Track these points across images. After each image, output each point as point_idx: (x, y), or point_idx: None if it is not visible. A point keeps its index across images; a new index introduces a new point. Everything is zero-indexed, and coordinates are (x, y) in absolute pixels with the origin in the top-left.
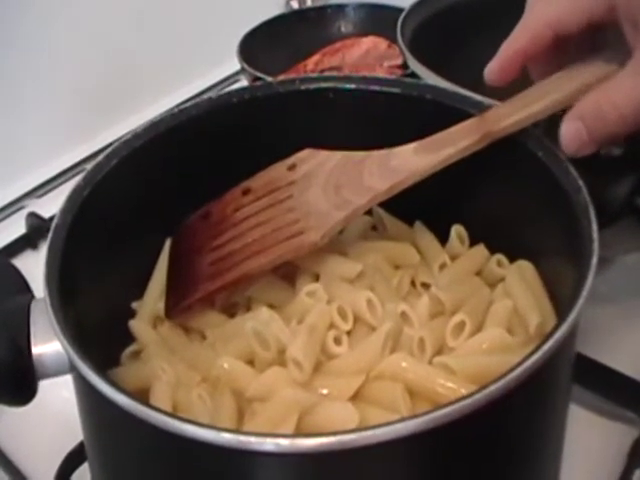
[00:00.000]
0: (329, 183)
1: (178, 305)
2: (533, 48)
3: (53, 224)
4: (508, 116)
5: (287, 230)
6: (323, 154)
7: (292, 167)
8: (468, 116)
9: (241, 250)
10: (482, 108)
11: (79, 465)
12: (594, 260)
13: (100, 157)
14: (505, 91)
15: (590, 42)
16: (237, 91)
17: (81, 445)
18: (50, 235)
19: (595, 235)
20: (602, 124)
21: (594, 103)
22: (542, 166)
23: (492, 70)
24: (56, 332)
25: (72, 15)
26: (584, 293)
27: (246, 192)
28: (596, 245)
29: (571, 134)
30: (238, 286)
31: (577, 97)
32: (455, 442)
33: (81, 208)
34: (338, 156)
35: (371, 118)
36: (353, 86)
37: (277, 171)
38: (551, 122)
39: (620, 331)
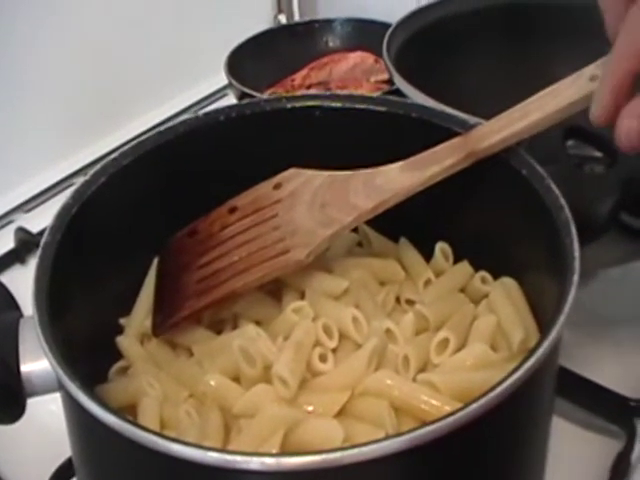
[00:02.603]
0: (314, 201)
1: (165, 323)
2: None
3: (42, 242)
4: (492, 135)
5: (273, 248)
6: (308, 173)
7: (278, 186)
8: (454, 134)
9: (227, 268)
10: (467, 126)
11: None
12: (575, 277)
13: (88, 175)
14: (490, 109)
15: None
16: (224, 109)
17: (69, 461)
18: (39, 253)
19: (576, 253)
20: None
21: None
22: (525, 184)
23: (606, 106)
24: (45, 351)
25: (58, 30)
26: (566, 310)
27: (232, 210)
28: (577, 262)
29: (630, 130)
30: (225, 304)
31: (560, 116)
32: (439, 459)
33: (69, 226)
34: (324, 175)
35: (357, 136)
36: (339, 104)
37: (263, 190)
38: (534, 140)
39: (604, 345)
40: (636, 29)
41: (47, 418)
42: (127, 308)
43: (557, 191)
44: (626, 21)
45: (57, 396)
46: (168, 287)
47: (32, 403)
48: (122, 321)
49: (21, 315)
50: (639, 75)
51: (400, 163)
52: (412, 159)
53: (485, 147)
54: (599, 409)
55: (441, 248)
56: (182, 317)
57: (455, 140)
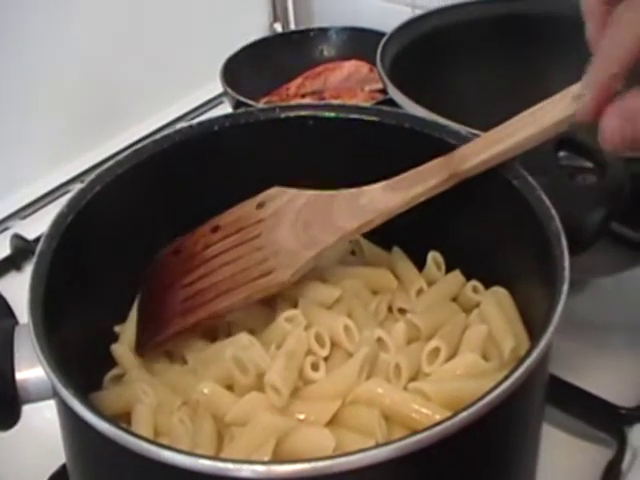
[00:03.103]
0: (298, 221)
1: (149, 341)
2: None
3: (37, 250)
4: (474, 156)
5: (256, 269)
6: (292, 192)
7: (261, 205)
8: (446, 145)
9: (211, 288)
10: (460, 137)
11: None
12: (565, 287)
13: (84, 183)
14: (484, 120)
15: None
16: (218, 118)
17: (64, 467)
18: (34, 261)
19: (566, 263)
20: None
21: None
22: (517, 195)
23: (591, 109)
24: (39, 359)
25: (56, 39)
26: (555, 319)
27: (215, 229)
28: (567, 272)
29: (613, 131)
30: (208, 323)
31: (544, 136)
32: (429, 467)
33: (65, 234)
34: (307, 194)
35: (350, 146)
36: (332, 114)
37: (246, 209)
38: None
39: (596, 354)
40: (620, 32)
41: (42, 425)
42: (122, 316)
43: (548, 202)
44: (610, 24)
45: (52, 403)
46: (152, 306)
47: (27, 410)
48: (117, 329)
49: (16, 322)
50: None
51: (384, 183)
52: (396, 179)
53: (468, 168)
54: (590, 417)
55: (433, 257)
56: (166, 337)
57: (438, 160)
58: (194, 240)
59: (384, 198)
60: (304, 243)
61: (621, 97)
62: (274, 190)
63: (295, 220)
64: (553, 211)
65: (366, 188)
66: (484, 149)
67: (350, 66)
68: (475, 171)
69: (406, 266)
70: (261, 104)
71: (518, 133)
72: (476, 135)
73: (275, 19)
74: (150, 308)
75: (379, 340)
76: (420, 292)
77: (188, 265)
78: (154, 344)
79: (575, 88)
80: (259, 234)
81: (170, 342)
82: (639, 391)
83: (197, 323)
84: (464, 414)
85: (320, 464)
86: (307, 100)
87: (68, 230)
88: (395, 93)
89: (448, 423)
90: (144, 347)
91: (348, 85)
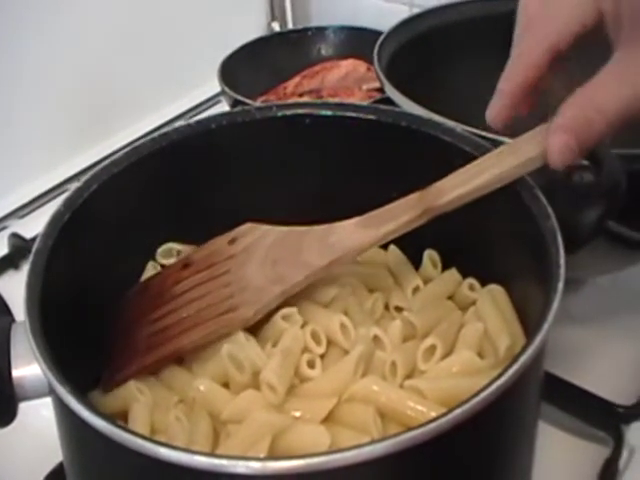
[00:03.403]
0: (267, 258)
1: (113, 378)
2: (535, 79)
3: (34, 248)
4: (449, 192)
5: (221, 305)
6: (264, 228)
7: (232, 241)
8: (442, 143)
9: (176, 325)
10: (456, 135)
11: None
12: (560, 285)
13: (80, 182)
14: (480, 119)
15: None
16: (215, 117)
17: (61, 465)
18: (31, 259)
19: (562, 261)
20: (588, 131)
21: (579, 111)
22: (513, 193)
23: (496, 112)
24: (36, 356)
25: (53, 38)
26: (550, 317)
27: (186, 265)
28: (562, 270)
29: (560, 148)
30: (173, 359)
31: (519, 172)
32: (423, 464)
33: (61, 232)
34: (278, 231)
35: (347, 144)
36: (329, 113)
37: (218, 244)
38: None
39: (594, 351)
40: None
41: (39, 423)
42: None
43: (544, 200)
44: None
45: (49, 401)
46: (118, 342)
47: (24, 408)
48: None
49: (13, 320)
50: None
51: (356, 219)
52: (368, 215)
53: (442, 204)
54: (587, 416)
55: (429, 256)
56: (129, 374)
57: (412, 196)
58: (164, 277)
59: (355, 235)
60: (272, 279)
61: (556, 115)
62: (247, 226)
63: (264, 257)
64: (549, 209)
65: (337, 225)
66: (461, 184)
67: (348, 65)
68: (451, 206)
69: (402, 264)
70: (258, 103)
71: (493, 168)
72: (473, 133)
73: (273, 18)
74: (115, 344)
75: (375, 338)
76: (416, 290)
77: (156, 301)
78: (117, 381)
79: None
80: (228, 270)
81: (134, 378)
82: (636, 389)
83: (159, 361)
84: (458, 411)
85: (315, 460)
86: (305, 99)
87: (64, 229)
88: (392, 91)
89: (442, 420)
90: (107, 384)
91: (346, 84)
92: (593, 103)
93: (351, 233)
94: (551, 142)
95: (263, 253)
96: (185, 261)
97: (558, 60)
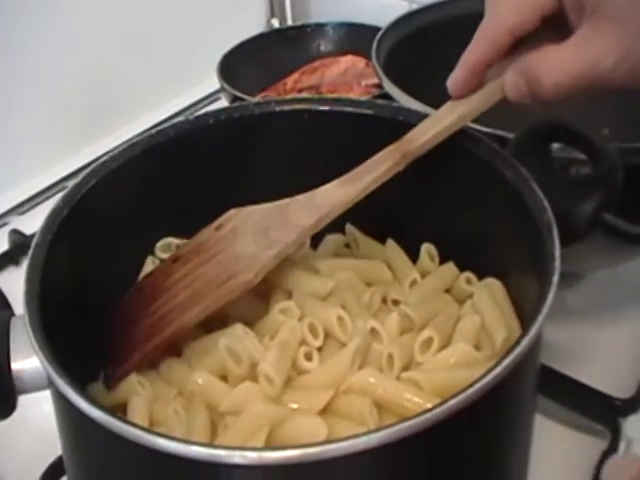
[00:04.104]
0: (257, 229)
1: (117, 371)
2: (495, 56)
3: (33, 243)
4: (423, 134)
5: (219, 278)
6: (248, 209)
7: (219, 227)
8: None
9: (175, 308)
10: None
11: (59, 478)
12: (555, 278)
13: (79, 178)
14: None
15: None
16: (214, 112)
17: (61, 458)
18: (30, 253)
19: (557, 254)
20: (538, 86)
21: (535, 64)
22: (509, 186)
23: (456, 82)
24: (35, 349)
25: (52, 36)
26: (544, 310)
27: (176, 260)
28: (558, 263)
29: (512, 84)
30: (176, 340)
31: (486, 105)
32: (418, 454)
33: (60, 227)
34: (263, 207)
35: (345, 139)
36: (327, 108)
37: (204, 234)
38: (518, 143)
39: (591, 345)
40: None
41: (39, 417)
42: None
43: (540, 193)
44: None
45: (48, 395)
46: (117, 340)
47: (23, 401)
48: None
49: (13, 314)
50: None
51: (336, 180)
52: (348, 175)
53: (418, 146)
54: (584, 408)
55: (427, 249)
56: (134, 362)
57: (388, 148)
58: (156, 275)
59: (338, 192)
60: (264, 245)
61: (520, 54)
62: (231, 211)
63: (254, 230)
64: (545, 202)
65: (320, 189)
66: (430, 127)
67: (347, 61)
68: (426, 147)
69: (400, 258)
70: (257, 99)
71: (462, 105)
72: (470, 127)
73: (272, 15)
74: (114, 344)
75: (372, 330)
76: (414, 283)
77: (151, 298)
78: (122, 373)
79: (507, 60)
80: (219, 251)
81: (137, 368)
82: (633, 382)
83: (163, 343)
84: (453, 401)
85: (311, 450)
86: (304, 95)
87: (63, 224)
88: (390, 87)
89: (438, 410)
90: (112, 379)
91: (345, 80)
92: (548, 65)
93: (334, 192)
94: (506, 78)
95: (252, 227)
96: (174, 256)
97: (518, 41)
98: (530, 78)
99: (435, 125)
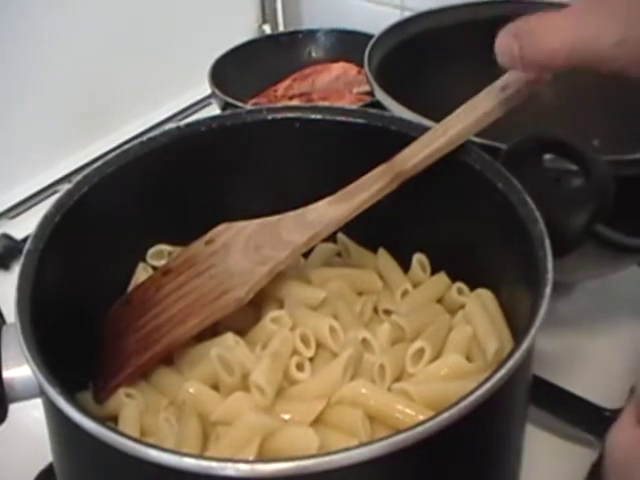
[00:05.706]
0: (248, 246)
1: (108, 385)
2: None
3: (24, 250)
4: (416, 155)
5: (212, 293)
6: (240, 224)
7: (210, 241)
8: None
9: (166, 322)
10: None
11: None
12: (548, 289)
13: (71, 184)
14: None
15: None
16: (205, 120)
17: (51, 465)
18: (21, 261)
19: (550, 265)
20: (531, 51)
21: (532, 27)
22: (501, 197)
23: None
24: (26, 358)
25: (44, 41)
26: (537, 322)
27: (166, 273)
28: (550, 275)
29: (503, 47)
30: (168, 355)
31: (478, 127)
32: (412, 467)
33: (52, 234)
34: (254, 223)
35: (336, 148)
36: (319, 116)
37: (195, 248)
38: (510, 154)
39: (582, 355)
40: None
41: (30, 424)
42: None
43: (532, 204)
44: None
45: (39, 402)
46: (105, 354)
47: (14, 409)
48: None
49: (4, 322)
50: None
51: (328, 198)
52: (340, 192)
53: (410, 167)
54: (575, 419)
55: (418, 259)
56: (125, 376)
57: (381, 167)
58: (144, 288)
59: (330, 211)
60: (257, 262)
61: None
62: (222, 226)
63: (246, 246)
64: (537, 213)
65: (311, 206)
66: (426, 146)
67: (338, 68)
68: (419, 167)
69: (392, 268)
70: (249, 106)
71: (454, 127)
72: None
73: (264, 21)
74: (103, 357)
75: (364, 341)
76: (405, 294)
77: (140, 311)
78: (113, 387)
79: (501, 81)
80: (211, 265)
81: (129, 382)
82: (624, 393)
83: (155, 357)
84: (446, 414)
85: (303, 463)
86: (295, 102)
87: (55, 231)
88: (382, 95)
89: (430, 423)
90: (102, 393)
91: (336, 87)
92: (544, 28)
93: (326, 210)
94: (498, 39)
95: (244, 243)
96: (164, 269)
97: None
98: (525, 41)
99: (427, 147)
